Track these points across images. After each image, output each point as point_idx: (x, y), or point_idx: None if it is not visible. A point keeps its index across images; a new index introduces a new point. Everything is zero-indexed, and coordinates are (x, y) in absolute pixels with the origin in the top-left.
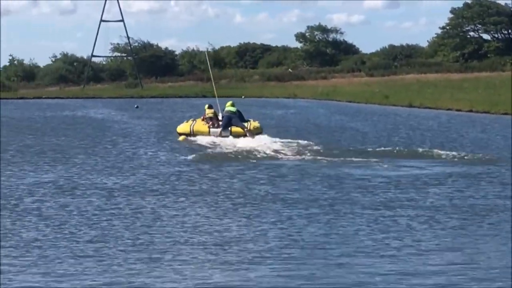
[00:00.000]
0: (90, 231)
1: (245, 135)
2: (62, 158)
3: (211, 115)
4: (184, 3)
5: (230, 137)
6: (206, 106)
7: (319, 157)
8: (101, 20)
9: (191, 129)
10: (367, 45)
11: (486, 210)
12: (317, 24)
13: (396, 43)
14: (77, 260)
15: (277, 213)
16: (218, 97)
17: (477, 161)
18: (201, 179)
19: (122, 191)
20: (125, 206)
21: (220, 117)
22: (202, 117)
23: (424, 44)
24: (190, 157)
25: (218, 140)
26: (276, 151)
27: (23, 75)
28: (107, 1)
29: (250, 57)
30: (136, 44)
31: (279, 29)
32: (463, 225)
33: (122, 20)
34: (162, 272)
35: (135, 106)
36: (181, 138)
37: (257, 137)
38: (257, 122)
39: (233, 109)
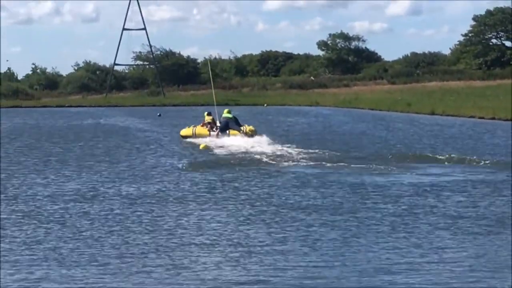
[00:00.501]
0: (111, 238)
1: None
2: (85, 167)
3: (209, 120)
4: (206, 12)
5: (230, 137)
6: (206, 113)
7: (341, 164)
8: (124, 29)
9: (193, 133)
10: (389, 52)
11: (508, 218)
12: (339, 32)
13: (419, 50)
14: (98, 267)
15: (299, 221)
16: (241, 105)
17: (499, 168)
18: (223, 187)
19: (144, 199)
20: (147, 214)
21: (218, 123)
22: (202, 123)
23: (446, 51)
24: (208, 159)
25: (218, 140)
26: (281, 155)
27: (46, 84)
28: (130, 10)
29: (272, 65)
30: (158, 52)
31: (301, 37)
32: (485, 232)
33: (145, 29)
34: (184, 279)
35: (158, 114)
36: (202, 146)
37: (255, 138)
38: (251, 126)
39: (229, 115)
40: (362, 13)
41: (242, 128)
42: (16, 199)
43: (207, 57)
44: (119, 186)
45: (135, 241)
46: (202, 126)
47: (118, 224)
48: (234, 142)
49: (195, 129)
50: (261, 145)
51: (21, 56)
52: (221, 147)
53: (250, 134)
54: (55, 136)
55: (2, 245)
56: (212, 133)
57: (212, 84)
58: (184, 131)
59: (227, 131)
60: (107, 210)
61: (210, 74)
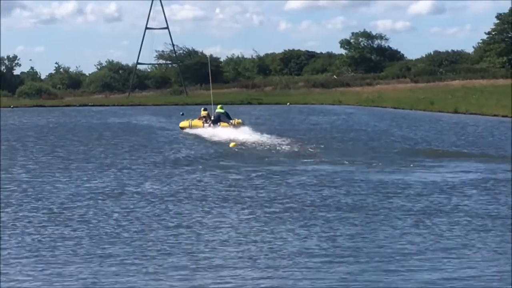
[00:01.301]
0: (135, 236)
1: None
2: (110, 164)
3: (205, 115)
4: (229, 11)
5: (219, 128)
6: (202, 109)
7: (368, 162)
8: (146, 28)
9: (190, 124)
10: (412, 51)
11: None
12: (361, 30)
13: (441, 49)
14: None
15: (324, 219)
16: (263, 104)
17: None
18: (247, 186)
19: (170, 197)
20: (170, 212)
21: (212, 117)
22: (198, 117)
23: (469, 50)
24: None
25: (210, 130)
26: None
27: (69, 83)
28: (152, 9)
29: (294, 64)
30: (181, 51)
31: (324, 36)
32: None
33: (167, 28)
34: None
35: (181, 113)
36: (231, 144)
37: (240, 128)
38: (240, 119)
39: (221, 110)
40: (384, 12)
41: (231, 121)
42: (43, 197)
43: (229, 56)
44: (143, 185)
45: (158, 239)
46: (199, 119)
47: (141, 221)
48: (224, 132)
49: (191, 122)
50: (244, 134)
51: (45, 56)
52: (213, 135)
53: (237, 126)
54: (80, 134)
55: (32, 242)
56: (205, 125)
57: (210, 83)
58: (183, 123)
59: (218, 123)
60: (132, 207)
61: (210, 72)
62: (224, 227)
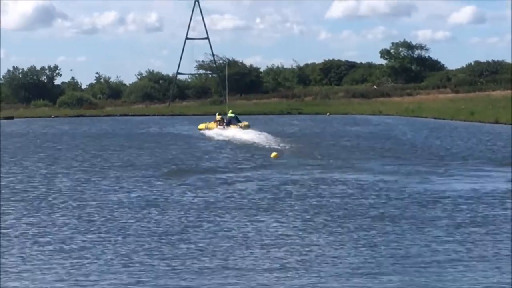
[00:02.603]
0: (176, 245)
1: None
2: (153, 174)
3: (219, 119)
4: (269, 20)
5: (230, 129)
6: (217, 113)
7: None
8: (187, 38)
9: (206, 126)
10: (453, 61)
11: None
12: (402, 40)
13: (482, 59)
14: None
15: (363, 229)
16: (303, 114)
17: None
18: (283, 195)
19: (213, 206)
20: (215, 221)
21: (224, 120)
22: (214, 121)
23: (510, 60)
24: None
25: (222, 131)
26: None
27: (109, 93)
28: (193, 19)
29: (334, 74)
30: (221, 61)
31: (364, 46)
32: None
33: (207, 38)
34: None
35: None
36: (273, 155)
37: (247, 130)
38: (247, 122)
39: (232, 115)
40: (425, 22)
41: (240, 123)
42: (86, 205)
43: (269, 66)
44: (183, 194)
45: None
46: (214, 122)
47: (182, 230)
48: (234, 132)
49: (207, 124)
50: (250, 134)
51: (85, 66)
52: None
53: (245, 128)
54: (122, 143)
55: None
56: (219, 127)
57: (226, 98)
58: (200, 126)
59: (230, 125)
60: (175, 217)
61: (226, 87)
62: (271, 235)
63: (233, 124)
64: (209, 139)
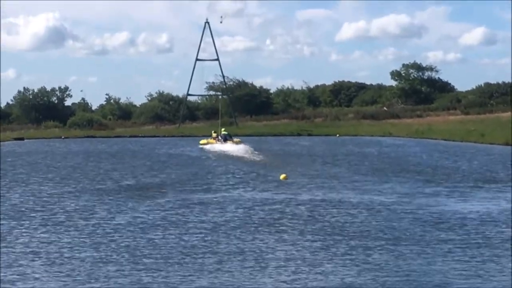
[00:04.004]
0: (191, 265)
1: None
2: (165, 194)
3: (215, 136)
4: (280, 41)
5: (226, 144)
6: (213, 131)
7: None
8: (197, 59)
9: (207, 142)
10: (463, 82)
11: None
12: (412, 62)
13: (492, 80)
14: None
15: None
16: (313, 135)
17: None
18: (298, 215)
19: (224, 226)
20: (227, 242)
21: (219, 137)
22: (212, 137)
23: None
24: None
25: (220, 146)
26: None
27: (119, 114)
28: (203, 41)
29: (344, 95)
30: (231, 82)
31: (374, 67)
32: None
33: (218, 59)
34: None
35: None
36: (282, 177)
37: (239, 145)
38: (238, 139)
39: (225, 132)
40: (435, 43)
41: (233, 140)
42: (99, 226)
43: (279, 87)
44: (192, 215)
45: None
46: (213, 139)
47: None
48: (229, 147)
49: (208, 140)
50: (240, 149)
51: (96, 86)
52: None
53: (238, 143)
54: (136, 164)
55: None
56: (218, 142)
57: (220, 120)
58: (202, 141)
59: (226, 141)
60: (189, 237)
61: (220, 111)
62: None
63: (229, 140)
64: (211, 152)
